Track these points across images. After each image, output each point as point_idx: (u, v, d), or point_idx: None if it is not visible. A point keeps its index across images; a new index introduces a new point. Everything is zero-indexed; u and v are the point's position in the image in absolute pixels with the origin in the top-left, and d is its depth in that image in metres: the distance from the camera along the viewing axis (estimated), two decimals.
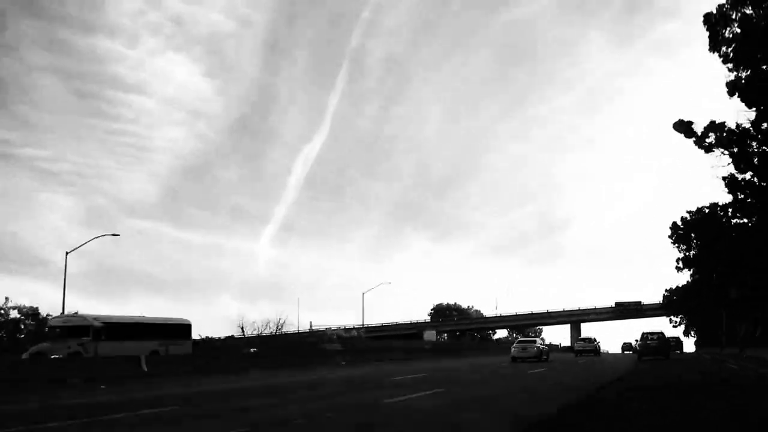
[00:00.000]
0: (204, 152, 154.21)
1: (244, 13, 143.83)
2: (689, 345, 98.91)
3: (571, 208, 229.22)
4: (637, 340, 44.14)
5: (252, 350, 46.89)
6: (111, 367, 25.14)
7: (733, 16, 30.22)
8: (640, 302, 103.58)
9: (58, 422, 10.56)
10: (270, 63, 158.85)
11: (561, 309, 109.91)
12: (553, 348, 77.03)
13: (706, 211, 55.16)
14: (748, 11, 29.97)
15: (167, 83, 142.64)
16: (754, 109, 31.42)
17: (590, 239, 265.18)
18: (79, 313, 39.30)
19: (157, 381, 22.49)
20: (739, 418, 9.84)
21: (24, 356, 30.31)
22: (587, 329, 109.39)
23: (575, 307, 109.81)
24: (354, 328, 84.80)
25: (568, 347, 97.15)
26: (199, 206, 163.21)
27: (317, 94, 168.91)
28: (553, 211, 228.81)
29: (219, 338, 61.01)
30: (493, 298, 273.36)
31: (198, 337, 48.09)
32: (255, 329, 62.86)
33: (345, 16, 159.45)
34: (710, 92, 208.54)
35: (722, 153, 34.07)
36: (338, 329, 79.91)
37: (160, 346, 34.35)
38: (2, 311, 54.26)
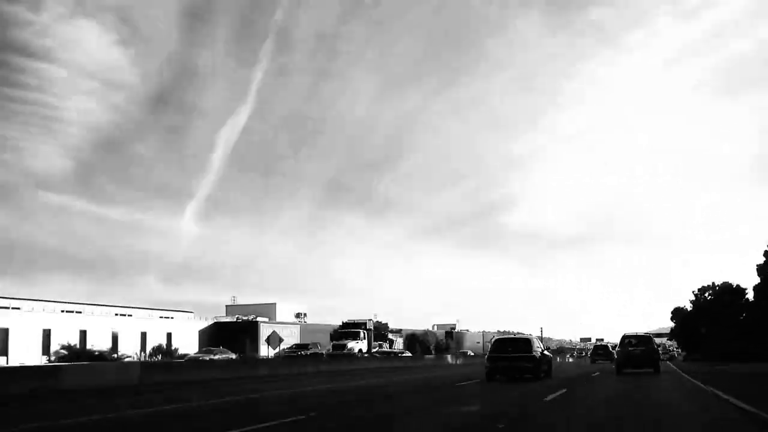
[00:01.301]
0: (119, 125, 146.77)
1: None
2: None
3: (507, 190, 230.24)
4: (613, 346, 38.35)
5: None
6: None
7: None
8: None
9: None
10: (189, 33, 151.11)
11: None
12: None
13: None
14: None
15: (77, 51, 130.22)
16: None
17: (526, 222, 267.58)
18: None
19: None
20: None
21: None
22: None
23: None
24: None
25: None
26: (117, 181, 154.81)
27: (241, 67, 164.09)
28: (488, 193, 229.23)
29: None
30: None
31: None
32: None
33: None
34: (644, 77, 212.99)
35: None
36: None
37: None
38: None
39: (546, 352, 26.71)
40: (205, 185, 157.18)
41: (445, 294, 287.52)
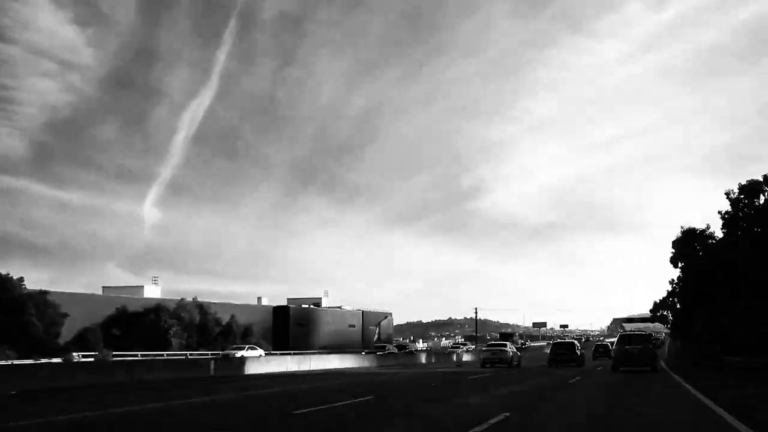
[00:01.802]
0: (78, 107, 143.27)
1: None
2: None
3: (477, 177, 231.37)
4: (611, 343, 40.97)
5: None
6: None
7: None
8: None
9: None
10: (149, 13, 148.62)
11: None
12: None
13: None
14: None
15: (31, 30, 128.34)
16: None
17: (496, 209, 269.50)
18: None
19: None
20: None
21: None
22: None
23: None
24: None
25: None
26: (75, 164, 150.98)
27: (203, 48, 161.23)
28: (458, 180, 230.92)
29: None
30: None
31: None
32: None
33: None
34: (614, 64, 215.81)
35: None
36: None
37: None
38: None
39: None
40: (167, 169, 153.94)
41: (414, 280, 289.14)
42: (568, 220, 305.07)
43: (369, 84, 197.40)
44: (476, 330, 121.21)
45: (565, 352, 38.93)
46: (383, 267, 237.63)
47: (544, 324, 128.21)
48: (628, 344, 29.86)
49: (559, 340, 51.91)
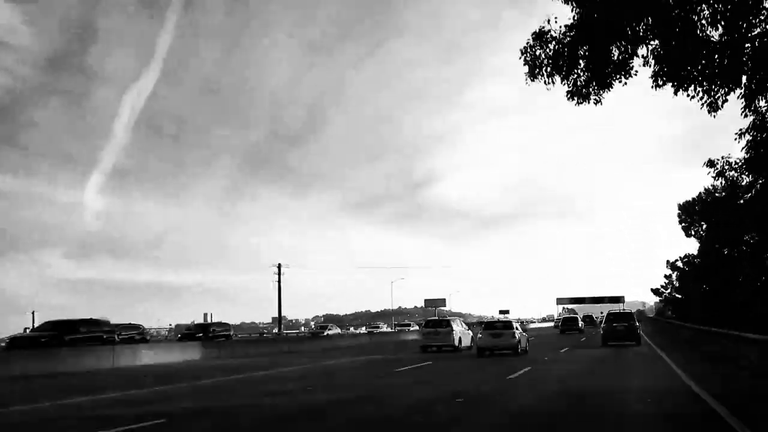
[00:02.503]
0: (12, 89, 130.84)
1: None
2: None
3: (431, 166, 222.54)
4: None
5: None
6: None
7: None
8: None
9: None
10: None
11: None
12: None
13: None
14: None
15: None
16: None
17: (450, 199, 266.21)
18: None
19: None
20: None
21: None
22: None
23: None
24: None
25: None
26: (10, 148, 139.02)
27: (146, 30, 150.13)
28: (413, 167, 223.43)
29: None
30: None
31: None
32: None
33: None
34: None
35: None
36: None
37: None
38: None
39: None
40: (110, 155, 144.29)
41: (364, 269, 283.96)
42: (522, 208, 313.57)
43: (320, 68, 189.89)
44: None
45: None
46: (334, 255, 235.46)
47: (507, 311, 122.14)
48: (615, 322, 33.52)
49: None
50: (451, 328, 32.13)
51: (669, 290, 68.63)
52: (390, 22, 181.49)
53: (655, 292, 72.71)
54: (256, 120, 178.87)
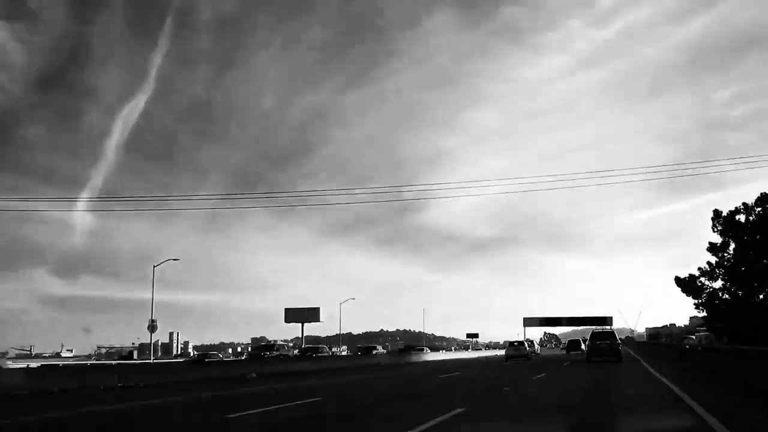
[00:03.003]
0: (3, 106, 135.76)
1: None
2: None
3: (422, 188, 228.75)
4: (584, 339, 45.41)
5: None
6: None
7: None
8: None
9: None
10: (81, 10, 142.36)
11: None
12: None
13: None
14: None
15: None
16: None
17: (438, 223, 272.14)
18: None
19: None
20: None
21: None
22: None
23: None
24: None
25: None
26: (1, 166, 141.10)
27: (138, 50, 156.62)
28: (402, 190, 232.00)
29: None
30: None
31: None
32: None
33: None
34: (557, 78, 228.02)
35: None
36: None
37: None
38: None
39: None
40: (99, 173, 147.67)
41: (351, 291, 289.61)
42: (512, 232, 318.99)
43: (309, 91, 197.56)
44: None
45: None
46: (320, 277, 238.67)
47: (476, 335, 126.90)
48: (598, 340, 36.04)
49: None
50: (525, 345, 54.41)
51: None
52: (380, 46, 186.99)
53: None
54: (244, 141, 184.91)
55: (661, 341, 77.97)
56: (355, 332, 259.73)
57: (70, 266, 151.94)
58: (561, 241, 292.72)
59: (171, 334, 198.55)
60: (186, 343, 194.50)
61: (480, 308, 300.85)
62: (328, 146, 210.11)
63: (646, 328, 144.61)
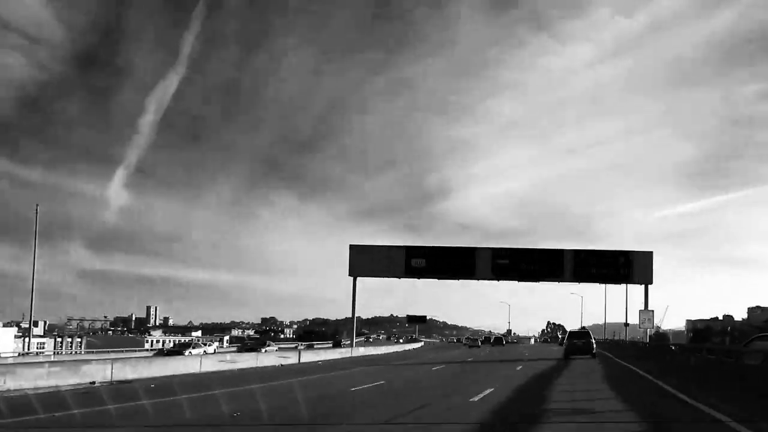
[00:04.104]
0: (44, 83, 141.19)
1: None
2: None
3: (442, 178, 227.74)
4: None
5: None
6: None
7: None
8: None
9: None
10: None
11: None
12: None
13: None
14: None
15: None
16: None
17: (460, 212, 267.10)
18: None
19: None
20: None
21: None
22: None
23: None
24: None
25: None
26: (40, 141, 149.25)
27: (172, 29, 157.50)
28: (423, 179, 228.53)
29: None
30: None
31: None
32: None
33: None
34: (582, 67, 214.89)
35: None
36: None
37: None
38: None
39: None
40: (134, 151, 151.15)
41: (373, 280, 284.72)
42: (532, 225, 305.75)
43: (335, 75, 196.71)
44: (416, 331, 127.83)
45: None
46: (340, 262, 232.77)
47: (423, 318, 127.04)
48: (575, 338, 39.16)
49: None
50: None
51: None
52: (403, 32, 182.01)
53: None
54: (270, 124, 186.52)
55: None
56: (364, 316, 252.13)
57: (102, 241, 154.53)
58: (582, 236, 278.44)
59: (148, 308, 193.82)
60: (166, 319, 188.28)
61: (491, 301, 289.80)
62: (352, 131, 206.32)
63: (687, 321, 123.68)
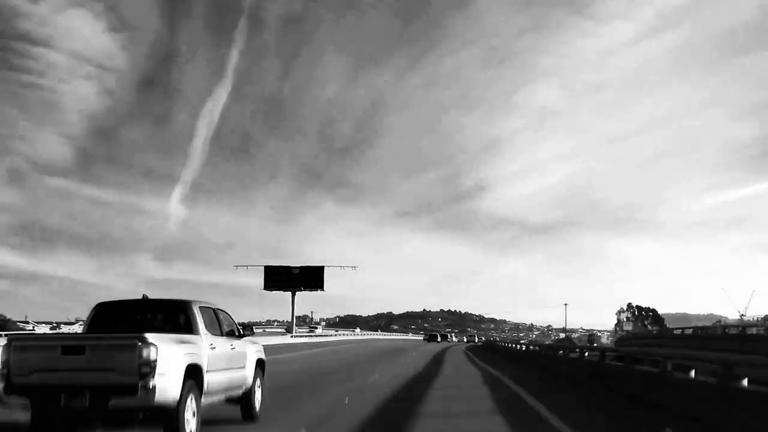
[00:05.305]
0: (112, 109, 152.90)
1: None
2: None
3: (479, 176, 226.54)
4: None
5: None
6: None
7: None
8: None
9: None
10: (168, 16, 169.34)
11: None
12: None
13: None
14: None
15: (73, 39, 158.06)
16: None
17: (498, 208, 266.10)
18: None
19: None
20: None
21: None
22: None
23: None
24: None
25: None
26: (111, 165, 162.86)
27: (217, 47, 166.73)
28: (460, 178, 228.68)
29: None
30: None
31: None
32: None
33: None
34: (624, 49, 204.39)
35: None
36: None
37: None
38: None
39: None
40: (189, 170, 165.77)
41: (415, 278, 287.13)
42: (573, 217, 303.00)
43: (370, 79, 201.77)
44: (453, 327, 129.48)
45: None
46: (382, 262, 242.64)
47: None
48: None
49: None
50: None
51: None
52: (434, 29, 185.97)
53: None
54: (310, 134, 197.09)
55: None
56: (395, 312, 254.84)
57: (165, 252, 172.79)
58: (627, 226, 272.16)
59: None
60: None
61: (542, 295, 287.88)
62: (389, 134, 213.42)
63: None
